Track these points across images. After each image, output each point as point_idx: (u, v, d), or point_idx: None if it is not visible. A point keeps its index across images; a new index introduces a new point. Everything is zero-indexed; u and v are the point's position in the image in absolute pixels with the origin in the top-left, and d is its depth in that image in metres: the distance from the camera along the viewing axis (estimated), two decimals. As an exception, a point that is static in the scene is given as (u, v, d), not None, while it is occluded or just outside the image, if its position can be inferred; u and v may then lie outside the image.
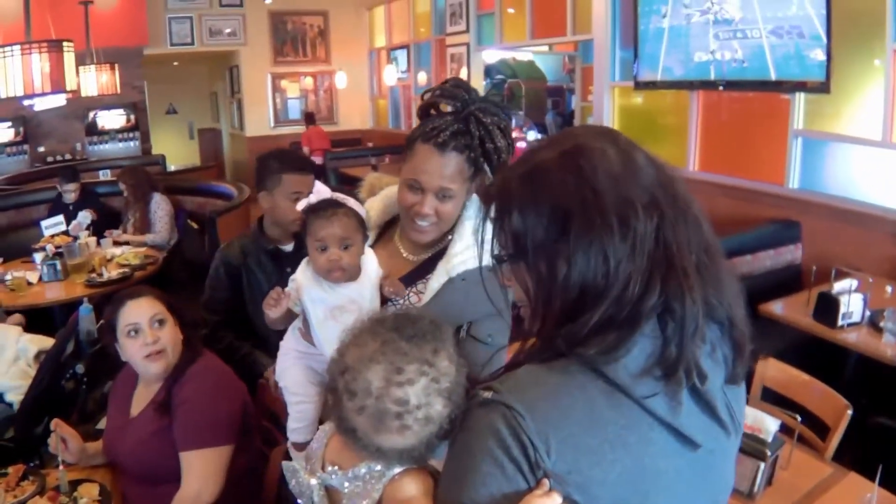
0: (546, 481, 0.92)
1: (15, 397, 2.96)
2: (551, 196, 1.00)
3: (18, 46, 4.29)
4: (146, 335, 2.22)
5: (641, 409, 0.95)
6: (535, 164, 1.04)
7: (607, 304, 0.95)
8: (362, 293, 1.82)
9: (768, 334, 4.04)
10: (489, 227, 1.08)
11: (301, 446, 1.90)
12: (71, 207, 6.13)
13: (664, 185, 1.01)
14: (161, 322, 2.26)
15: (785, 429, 2.35)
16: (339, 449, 1.26)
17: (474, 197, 1.85)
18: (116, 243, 5.76)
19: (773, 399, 2.80)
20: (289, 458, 1.82)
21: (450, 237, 1.86)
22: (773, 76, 4.84)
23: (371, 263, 1.86)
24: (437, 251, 1.87)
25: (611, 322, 0.96)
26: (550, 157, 1.03)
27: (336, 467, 1.23)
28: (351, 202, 1.84)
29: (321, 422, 1.92)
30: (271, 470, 2.34)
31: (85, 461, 2.35)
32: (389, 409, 1.07)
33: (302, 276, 1.86)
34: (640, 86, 6.17)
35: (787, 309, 3.89)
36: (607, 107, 6.78)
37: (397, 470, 1.16)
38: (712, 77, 5.33)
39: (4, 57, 4.25)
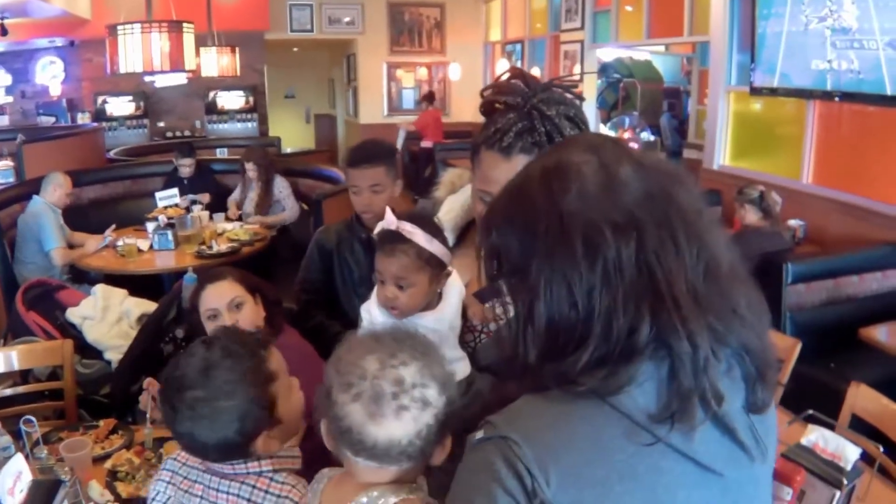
0: None
1: (114, 356, 3.13)
2: (523, 218, 0.95)
3: (139, 25, 4.49)
4: (224, 319, 2.28)
5: (652, 435, 0.87)
6: (523, 178, 1.00)
7: (594, 343, 0.88)
8: (442, 321, 1.67)
9: (868, 361, 3.87)
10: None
11: None
12: (186, 182, 6.41)
13: (655, 199, 0.91)
14: (239, 305, 2.30)
15: (868, 459, 2.26)
16: (335, 489, 1.23)
17: None
18: (229, 220, 6.02)
19: (864, 430, 2.68)
20: None
21: None
22: (888, 90, 4.60)
23: (453, 289, 1.71)
24: None
25: (604, 361, 0.88)
26: (534, 173, 0.98)
27: None
28: (418, 236, 1.63)
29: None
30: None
31: None
32: (385, 390, 1.07)
33: (374, 309, 1.72)
34: (755, 91, 5.98)
35: (890, 335, 3.72)
36: (722, 111, 6.61)
37: (393, 500, 1.12)
38: (829, 87, 5.11)
39: (125, 34, 4.44)
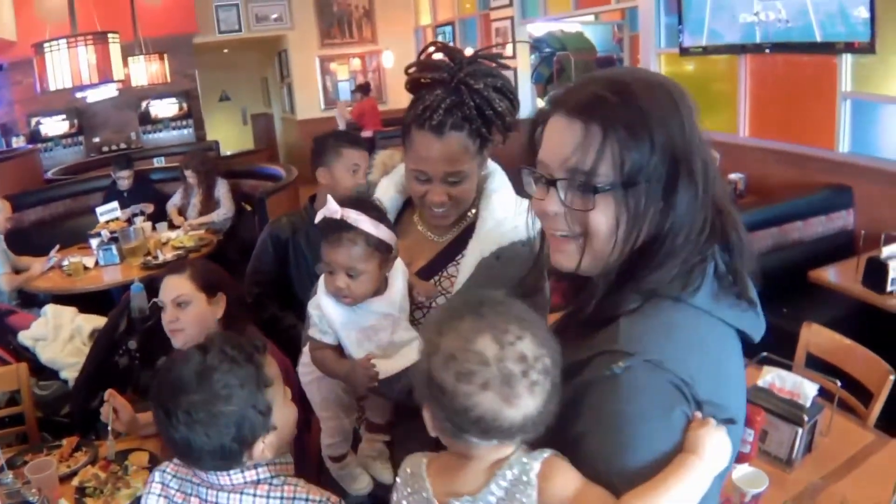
0: (699, 413, 0.98)
1: (70, 374, 3.11)
2: (667, 137, 1.00)
3: (65, 40, 4.45)
4: (168, 313, 2.31)
5: (723, 323, 1.06)
6: (643, 98, 1.01)
7: (684, 254, 1.02)
8: (392, 304, 1.67)
9: (819, 302, 3.98)
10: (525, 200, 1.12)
11: (338, 459, 1.86)
12: (125, 194, 6.34)
13: (704, 143, 1.06)
14: (182, 304, 2.30)
15: (827, 395, 2.32)
16: (452, 473, 1.12)
17: (496, 168, 1.76)
18: (173, 227, 5.94)
19: (819, 367, 2.76)
20: None
21: (473, 211, 1.75)
22: (817, 37, 4.69)
23: (397, 271, 1.71)
24: (464, 228, 1.76)
25: (684, 269, 1.03)
26: (651, 89, 1.02)
27: (466, 497, 1.08)
28: (364, 223, 1.60)
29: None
30: (315, 439, 2.37)
31: (136, 430, 2.44)
32: (514, 370, 0.99)
33: (325, 302, 1.69)
34: (685, 52, 6.05)
35: (838, 275, 3.83)
36: (654, 75, 6.65)
37: (536, 468, 1.04)
38: (758, 40, 5.19)
39: (52, 51, 4.41)
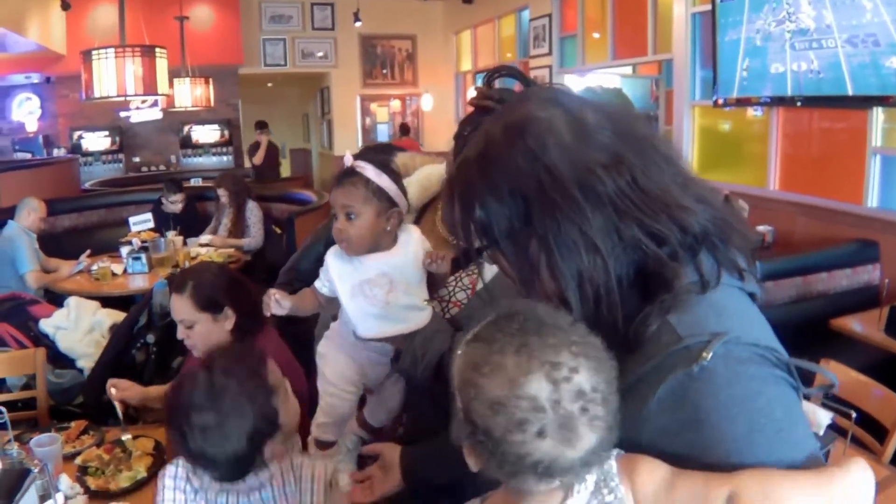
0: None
1: (86, 364, 3.14)
2: (508, 184, 0.97)
3: (112, 50, 4.57)
4: (179, 330, 2.30)
5: (748, 294, 1.02)
6: (484, 145, 1.01)
7: (683, 256, 0.96)
8: (394, 266, 1.72)
9: (839, 352, 3.92)
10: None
11: (325, 446, 1.86)
12: (171, 217, 6.34)
13: (624, 135, 0.98)
14: (190, 326, 2.27)
15: (842, 431, 2.29)
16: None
17: None
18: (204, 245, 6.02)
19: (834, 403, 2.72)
20: None
21: None
22: (849, 89, 4.70)
23: (411, 237, 1.77)
24: None
25: (675, 267, 0.96)
26: (497, 136, 1.00)
27: None
28: (368, 170, 1.70)
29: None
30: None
31: (149, 403, 2.47)
32: (572, 411, 0.86)
33: (329, 253, 1.78)
34: (719, 104, 6.08)
35: (860, 324, 3.79)
36: (687, 127, 6.70)
37: (614, 467, 0.93)
38: (789, 92, 5.21)
39: (99, 59, 4.53)
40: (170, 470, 1.59)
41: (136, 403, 2.42)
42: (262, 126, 10.63)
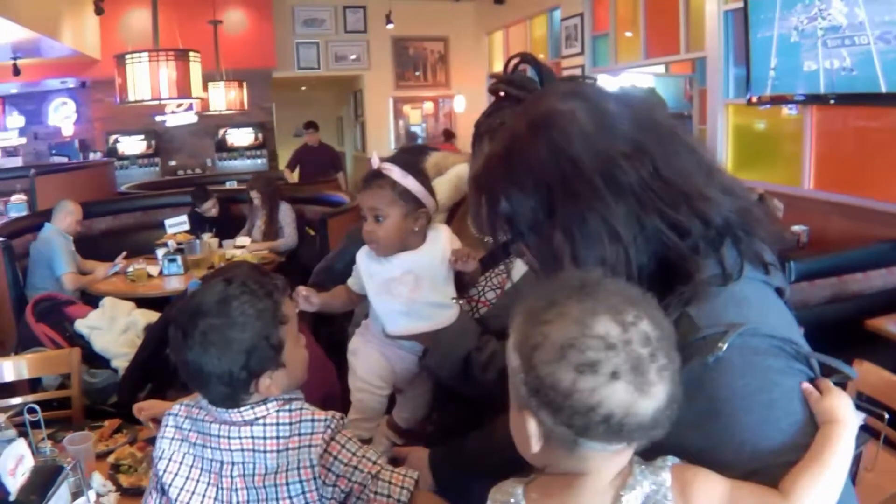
0: (817, 382, 0.94)
1: (120, 364, 3.18)
2: (532, 176, 0.98)
3: (146, 54, 4.64)
4: None
5: (770, 286, 1.02)
6: (508, 140, 1.03)
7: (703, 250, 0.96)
8: (420, 264, 1.75)
9: (874, 353, 3.85)
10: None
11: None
12: (208, 221, 6.41)
13: (644, 124, 0.99)
14: None
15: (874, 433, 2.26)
16: (552, 497, 0.94)
17: None
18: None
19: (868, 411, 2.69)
20: None
21: None
22: (882, 87, 4.62)
23: (439, 236, 1.79)
24: None
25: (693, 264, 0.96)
26: (521, 130, 1.02)
27: None
28: (394, 172, 1.73)
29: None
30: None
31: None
32: (641, 353, 0.84)
33: (360, 252, 1.84)
34: (752, 102, 6.01)
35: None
36: (721, 125, 6.65)
37: (668, 479, 0.89)
38: (822, 90, 5.14)
39: (133, 63, 4.60)
40: (173, 408, 1.59)
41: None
42: (311, 126, 10.44)
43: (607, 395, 0.82)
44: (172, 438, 1.54)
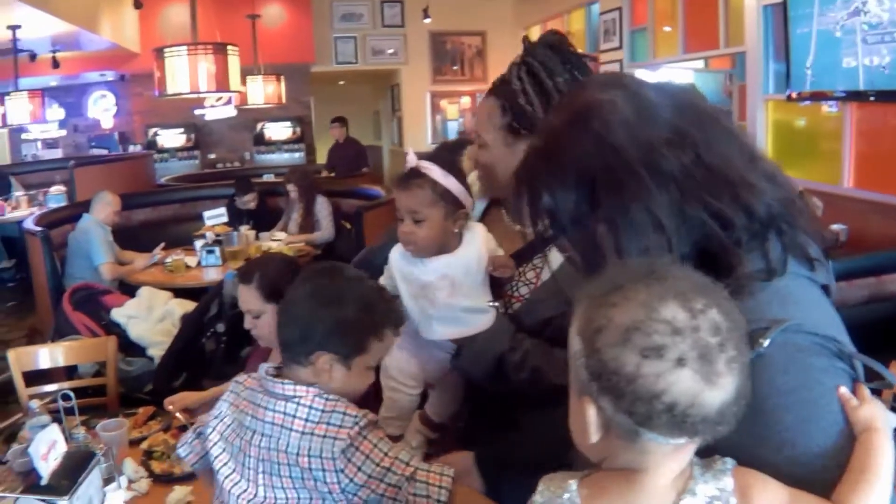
0: (856, 387, 0.92)
1: (156, 352, 3.25)
2: (573, 166, 0.97)
3: (185, 47, 4.69)
4: (247, 320, 2.33)
5: (815, 283, 1.00)
6: (549, 134, 1.03)
7: (744, 240, 0.94)
8: (456, 267, 1.68)
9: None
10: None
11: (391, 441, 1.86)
12: (246, 214, 6.46)
13: (685, 111, 0.97)
14: (258, 316, 2.30)
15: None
16: (608, 495, 0.90)
17: None
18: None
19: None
20: None
21: None
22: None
23: (475, 237, 1.73)
24: None
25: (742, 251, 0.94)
26: (562, 123, 1.01)
27: None
28: (434, 172, 1.66)
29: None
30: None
31: (208, 406, 2.52)
32: (710, 342, 0.80)
33: (394, 252, 1.78)
34: (792, 98, 5.92)
35: (932, 328, 3.64)
36: (760, 121, 6.54)
37: (730, 485, 0.86)
38: (861, 87, 5.04)
39: (172, 56, 4.65)
40: (239, 377, 1.64)
41: (196, 407, 2.47)
42: (337, 121, 10.35)
43: (672, 383, 0.79)
44: (230, 403, 1.59)
